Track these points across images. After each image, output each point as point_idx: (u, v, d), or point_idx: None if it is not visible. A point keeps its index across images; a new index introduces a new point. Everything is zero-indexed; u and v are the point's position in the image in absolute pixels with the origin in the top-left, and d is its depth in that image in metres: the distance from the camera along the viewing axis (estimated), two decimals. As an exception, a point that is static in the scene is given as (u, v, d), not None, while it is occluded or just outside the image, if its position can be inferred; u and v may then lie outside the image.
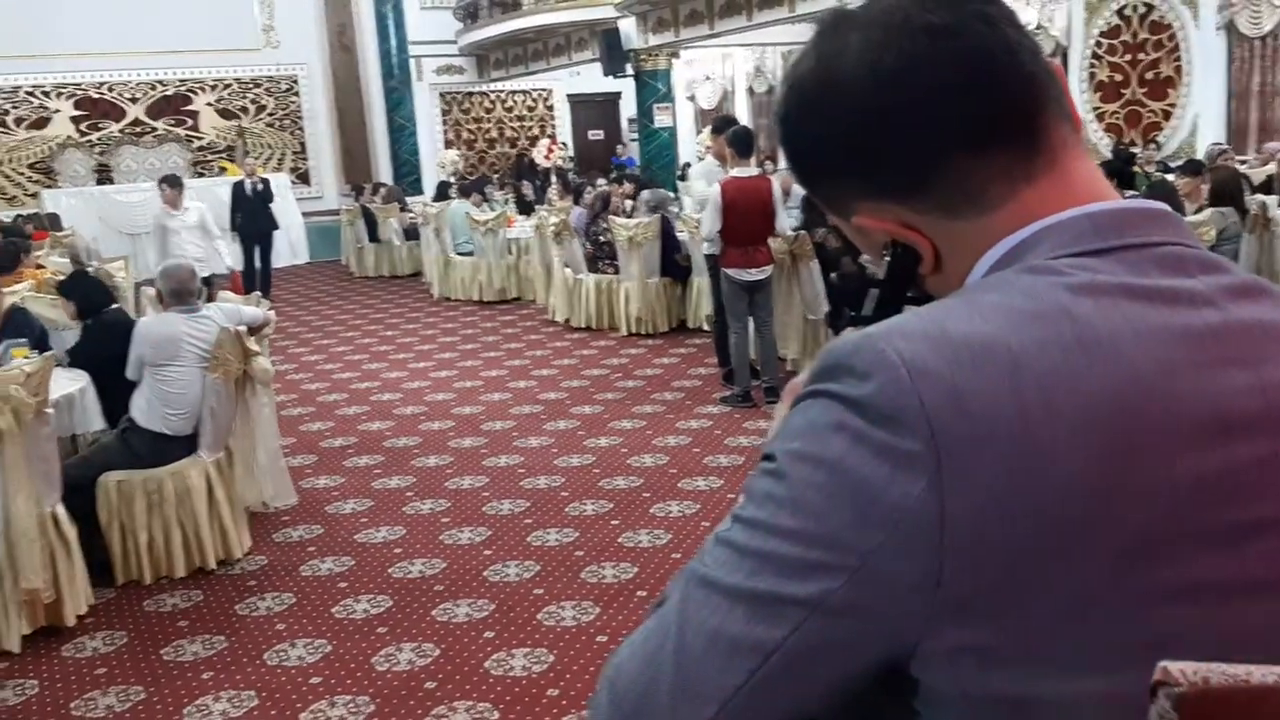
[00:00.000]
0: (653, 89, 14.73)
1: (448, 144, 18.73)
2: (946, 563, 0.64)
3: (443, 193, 14.32)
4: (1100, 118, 12.13)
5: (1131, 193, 7.72)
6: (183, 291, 4.54)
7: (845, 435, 0.66)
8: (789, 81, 0.83)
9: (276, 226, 13.60)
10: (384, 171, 18.11)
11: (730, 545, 0.70)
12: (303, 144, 18.83)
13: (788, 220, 6.81)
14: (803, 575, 0.66)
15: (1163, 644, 0.62)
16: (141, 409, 4.48)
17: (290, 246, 16.56)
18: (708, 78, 18.79)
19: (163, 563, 4.42)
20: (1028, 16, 12.90)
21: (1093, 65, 12.14)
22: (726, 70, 18.38)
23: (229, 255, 9.52)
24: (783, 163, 10.02)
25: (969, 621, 0.65)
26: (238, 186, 13.54)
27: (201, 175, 17.20)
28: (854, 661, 0.68)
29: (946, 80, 0.74)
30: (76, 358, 4.91)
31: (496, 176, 18.27)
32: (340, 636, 3.83)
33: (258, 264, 12.87)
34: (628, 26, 14.34)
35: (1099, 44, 12.03)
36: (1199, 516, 0.65)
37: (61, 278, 7.19)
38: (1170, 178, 8.28)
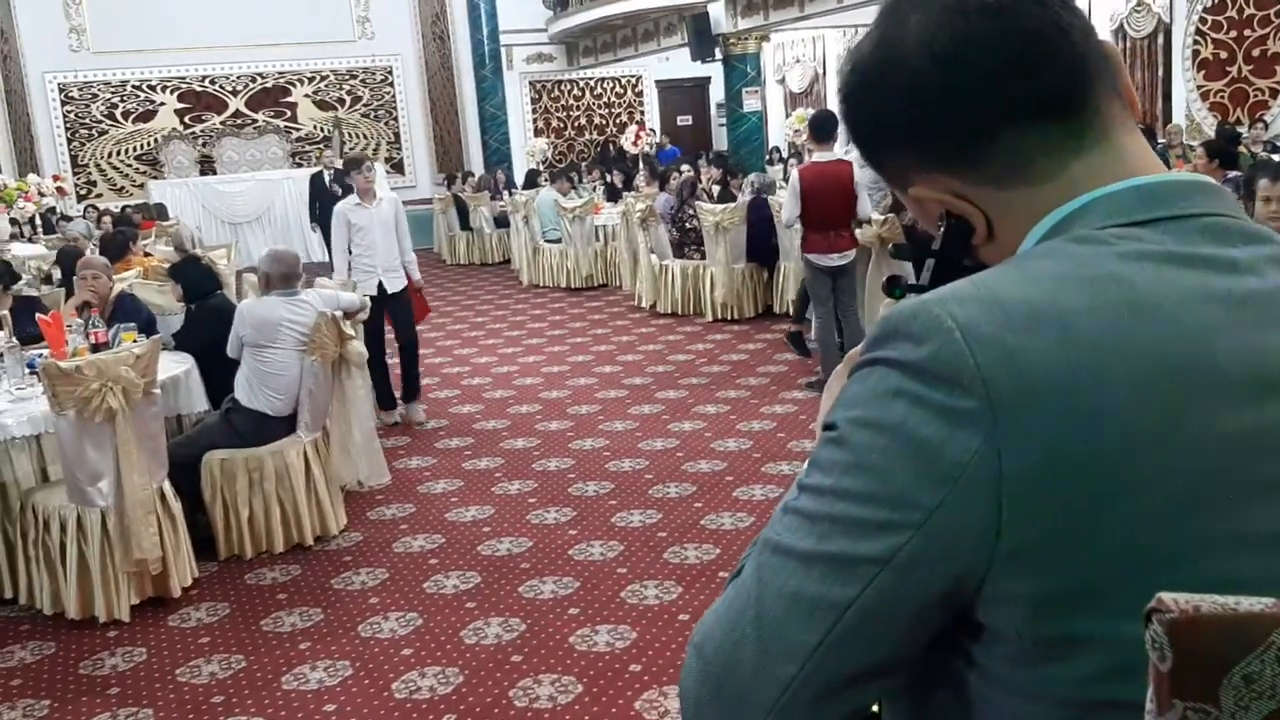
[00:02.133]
0: (741, 73, 14.67)
1: (537, 132, 18.91)
2: (1005, 514, 0.67)
3: (532, 181, 14.49)
4: (1205, 96, 11.71)
5: (1235, 173, 7.47)
6: (290, 275, 4.71)
7: (904, 399, 0.70)
8: (851, 60, 0.87)
9: None
10: (475, 160, 18.36)
11: (799, 513, 0.74)
12: (397, 134, 19.19)
13: (870, 204, 6.75)
14: (872, 534, 0.70)
15: (1219, 591, 0.65)
16: (244, 388, 4.66)
17: (384, 234, 16.91)
18: (798, 60, 18.62)
19: (263, 538, 4.60)
20: (1128, -7, 12.53)
21: (1196, 43, 11.72)
22: (817, 52, 18.19)
23: (414, 267, 6.56)
24: None
25: (1028, 569, 0.68)
26: (316, 178, 13.93)
27: (299, 165, 17.67)
28: (923, 612, 0.71)
29: (999, 58, 0.77)
30: (182, 341, 5.12)
31: (584, 164, 18.43)
32: (431, 610, 3.94)
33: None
34: (717, 10, 14.30)
35: (1203, 20, 11.61)
36: (1244, 469, 0.68)
37: (169, 264, 7.49)
38: (1277, 157, 7.99)
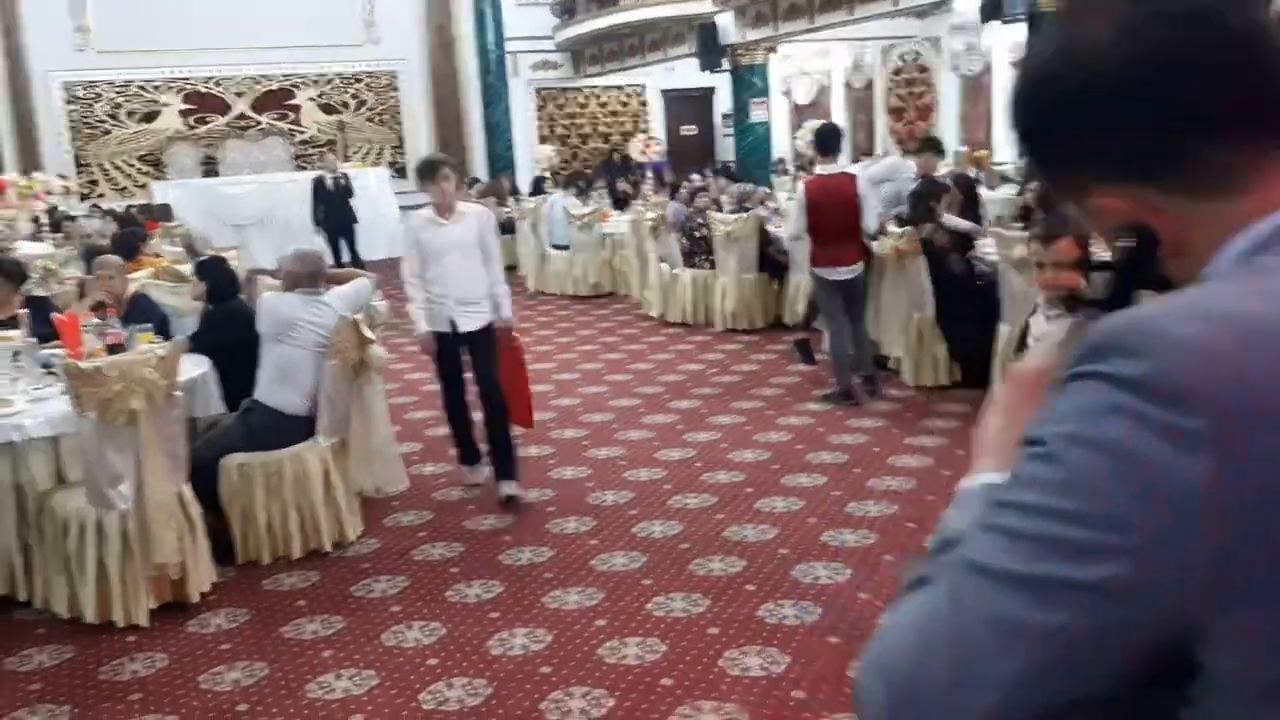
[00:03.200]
0: (749, 84, 14.66)
1: (542, 139, 18.89)
2: (1231, 542, 0.63)
3: (538, 188, 14.46)
4: None
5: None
6: (316, 274, 4.68)
7: (1123, 416, 0.66)
8: (1028, 64, 0.83)
9: (356, 220, 13.97)
10: (479, 166, 18.33)
11: (1002, 531, 0.69)
12: (400, 139, 19.16)
13: (874, 216, 6.74)
14: (1085, 558, 0.65)
15: None
16: (263, 383, 4.63)
17: (387, 239, 16.86)
18: (804, 73, 18.63)
19: (280, 543, 4.54)
20: None
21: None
22: (823, 65, 18.20)
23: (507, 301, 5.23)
24: (883, 156, 9.72)
25: (1257, 603, 0.64)
26: (318, 181, 13.95)
27: (302, 168, 17.63)
28: (1137, 644, 0.67)
29: (1201, 65, 0.74)
30: (198, 343, 5.07)
31: (589, 172, 18.41)
32: (454, 620, 3.89)
33: (345, 256, 13.23)
34: (725, 21, 14.30)
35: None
36: None
37: (179, 264, 7.44)
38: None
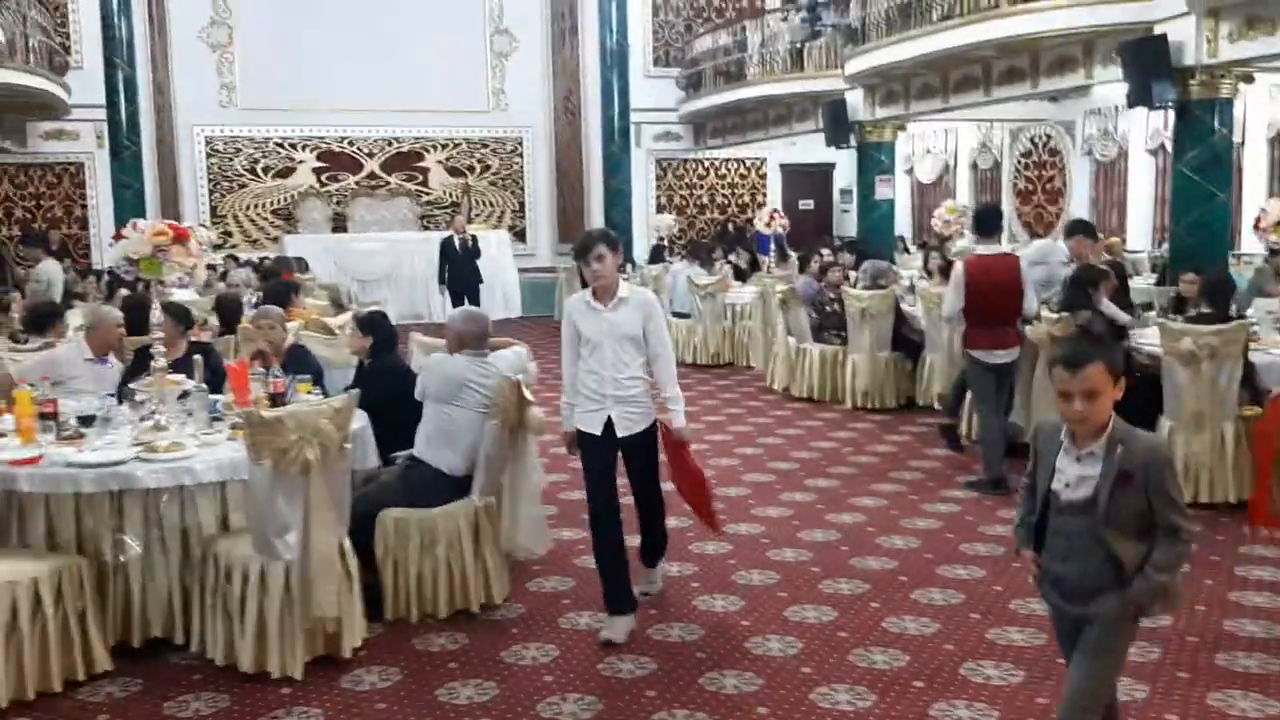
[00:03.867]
0: (875, 161, 14.58)
1: (659, 208, 19.05)
2: None
3: (658, 256, 14.54)
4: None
5: None
6: (483, 336, 4.70)
7: None
8: None
9: (481, 281, 14.21)
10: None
11: None
12: (521, 203, 19.54)
13: (1035, 300, 6.57)
14: None
15: None
16: (424, 443, 4.64)
17: (504, 300, 17.13)
18: (928, 151, 18.50)
19: (429, 601, 4.51)
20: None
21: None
22: (948, 144, 18.05)
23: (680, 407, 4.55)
24: (1031, 241, 9.40)
25: None
26: (447, 242, 14.23)
27: (427, 228, 18.06)
28: None
29: None
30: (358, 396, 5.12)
31: (705, 242, 18.46)
32: (609, 695, 3.79)
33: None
34: (855, 98, 14.28)
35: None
36: None
37: (325, 316, 7.59)
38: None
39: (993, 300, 6.23)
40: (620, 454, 4.43)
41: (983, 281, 6.22)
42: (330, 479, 3.96)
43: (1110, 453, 2.61)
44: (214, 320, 7.99)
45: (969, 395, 7.15)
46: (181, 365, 5.33)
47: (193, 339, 6.45)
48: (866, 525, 5.75)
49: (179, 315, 5.66)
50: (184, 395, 4.76)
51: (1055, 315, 6.50)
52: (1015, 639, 4.21)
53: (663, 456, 4.61)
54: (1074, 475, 2.67)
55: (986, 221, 6.50)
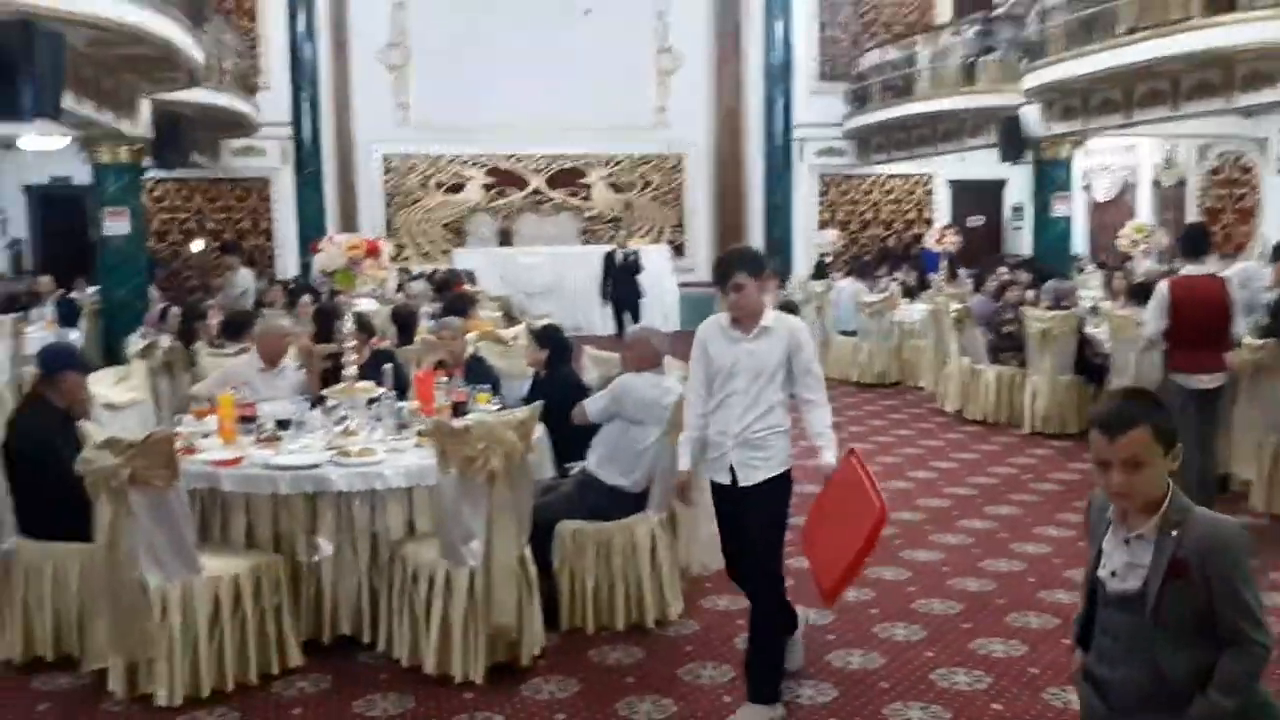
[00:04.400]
0: (1051, 177, 14.04)
1: (822, 224, 18.81)
2: None
3: (820, 272, 14.35)
4: None
5: None
6: (661, 355, 4.70)
7: None
8: None
9: (642, 295, 14.30)
10: (757, 248, 18.42)
11: None
12: (681, 218, 19.60)
13: (1243, 325, 6.17)
14: None
15: None
16: (601, 461, 4.65)
17: (664, 314, 17.20)
18: (1105, 168, 17.73)
19: (604, 613, 4.52)
20: None
21: None
22: (1128, 161, 17.25)
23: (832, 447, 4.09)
24: (1242, 259, 8.79)
25: None
26: (609, 257, 14.40)
27: (588, 243, 18.31)
28: None
29: None
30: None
31: (868, 259, 18.14)
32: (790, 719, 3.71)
33: (630, 327, 13.52)
34: (1030, 113, 13.80)
35: None
36: None
37: (499, 328, 7.75)
38: None
39: (1198, 322, 5.88)
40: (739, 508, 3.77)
41: (1188, 302, 5.88)
42: (514, 488, 4.00)
43: (1164, 537, 2.13)
44: (393, 330, 8.26)
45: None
46: (368, 373, 5.52)
47: (375, 348, 6.71)
48: (1053, 556, 5.50)
49: (364, 325, 5.85)
50: (372, 401, 4.92)
51: (1258, 341, 6.09)
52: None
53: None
54: (1121, 562, 2.20)
55: (1195, 241, 6.14)
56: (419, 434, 4.58)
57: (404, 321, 8.21)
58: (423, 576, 4.07)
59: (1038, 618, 4.65)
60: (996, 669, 4.12)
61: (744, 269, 3.75)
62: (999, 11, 15.13)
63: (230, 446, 4.58)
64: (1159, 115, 11.97)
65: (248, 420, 4.81)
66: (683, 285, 17.93)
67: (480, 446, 3.89)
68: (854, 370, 11.46)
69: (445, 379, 5.16)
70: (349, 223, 17.43)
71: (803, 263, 17.78)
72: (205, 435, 4.76)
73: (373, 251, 4.82)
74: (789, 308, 13.98)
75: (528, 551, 4.16)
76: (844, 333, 11.72)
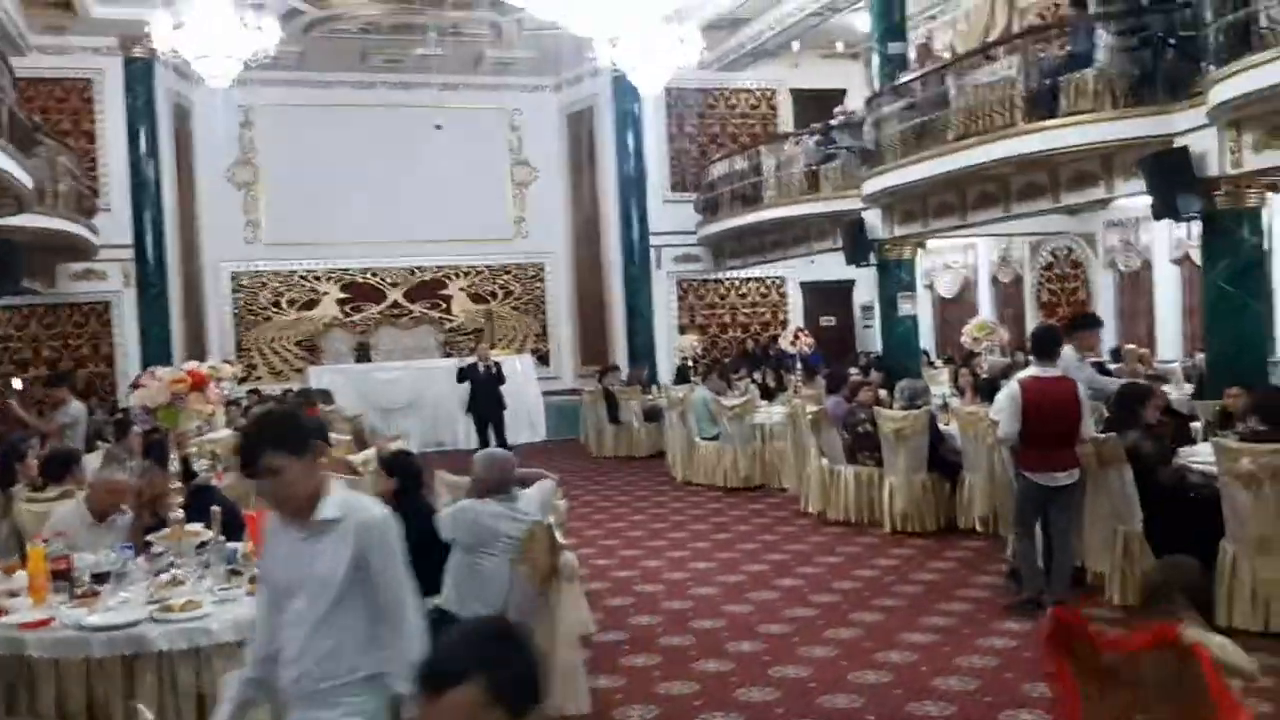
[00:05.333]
0: (896, 278, 14.52)
1: (682, 329, 19.03)
2: None
3: (683, 377, 14.45)
4: None
5: None
6: (505, 482, 4.50)
7: None
8: None
9: (505, 406, 14.16)
10: (620, 354, 18.50)
11: None
12: (544, 327, 19.58)
13: (1091, 424, 6.36)
14: None
15: None
16: (452, 594, 4.42)
17: (529, 424, 17.01)
18: (948, 266, 18.49)
19: (458, 765, 4.22)
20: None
21: None
22: (968, 259, 18.05)
23: None
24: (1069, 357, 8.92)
25: None
26: (471, 368, 14.22)
27: (449, 355, 18.06)
28: None
29: None
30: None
31: (726, 362, 18.38)
32: None
33: (493, 441, 13.32)
34: (873, 217, 14.32)
35: None
36: None
37: (349, 454, 7.44)
38: None
39: (1050, 422, 6.05)
40: None
41: (1040, 403, 6.04)
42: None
43: None
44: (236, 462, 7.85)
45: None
46: (197, 514, 5.17)
47: (204, 483, 6.29)
48: (919, 665, 5.44)
49: (186, 468, 5.50)
50: (201, 546, 4.59)
51: (1100, 435, 6.28)
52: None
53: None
54: None
55: (1045, 343, 6.35)
56: (251, 581, 4.27)
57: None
58: (255, 741, 3.73)
59: (906, 733, 4.56)
60: (867, 794, 3.99)
61: (276, 446, 2.71)
62: (837, 121, 15.77)
63: (40, 606, 4.18)
64: (993, 216, 12.55)
65: (61, 576, 4.41)
66: (547, 394, 17.82)
67: (314, 595, 3.61)
68: (719, 474, 11.45)
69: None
70: (196, 344, 16.79)
71: (666, 368, 17.90)
72: (13, 594, 4.34)
73: (199, 384, 4.55)
74: (653, 414, 14.06)
75: (371, 704, 3.86)
76: (706, 438, 11.73)
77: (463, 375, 14.36)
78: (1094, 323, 7.90)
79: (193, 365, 5.03)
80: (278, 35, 11.33)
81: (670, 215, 18.77)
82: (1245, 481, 5.49)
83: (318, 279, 18.54)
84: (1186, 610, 2.34)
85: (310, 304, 18.50)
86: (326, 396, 12.93)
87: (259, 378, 17.74)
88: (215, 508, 4.79)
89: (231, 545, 4.68)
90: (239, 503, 5.67)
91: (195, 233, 17.68)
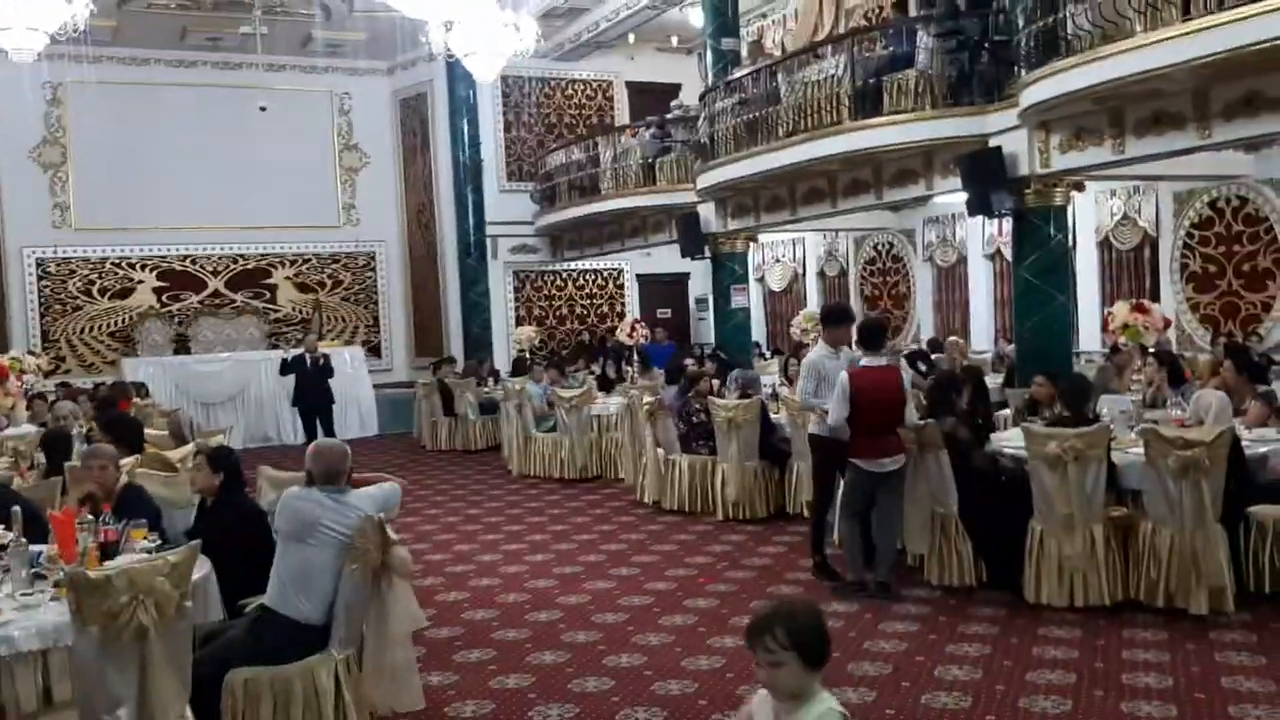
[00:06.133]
0: (729, 270, 14.80)
1: (519, 320, 18.92)
2: None
3: (520, 368, 14.36)
4: (1195, 308, 11.96)
5: (1265, 387, 7.45)
6: (333, 474, 4.34)
7: None
8: None
9: (333, 400, 13.79)
10: (456, 345, 18.25)
11: None
12: (376, 317, 19.12)
13: (914, 411, 6.63)
14: None
15: None
16: (276, 590, 4.23)
17: (360, 418, 16.59)
18: (778, 260, 18.97)
19: (284, 771, 4.07)
20: (1114, 207, 12.95)
21: (1185, 256, 12.06)
22: (796, 253, 18.55)
23: None
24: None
25: None
26: (297, 360, 13.77)
27: (275, 346, 17.42)
28: None
29: None
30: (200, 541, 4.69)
31: (566, 353, 18.39)
32: None
33: (320, 436, 12.92)
34: (707, 211, 14.55)
35: (1190, 235, 11.98)
36: None
37: (165, 449, 7.07)
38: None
39: (879, 411, 6.27)
40: None
41: (868, 391, 6.24)
42: (169, 643, 3.53)
43: None
44: (38, 457, 7.37)
45: (835, 509, 7.03)
46: (-2, 515, 4.82)
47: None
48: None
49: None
50: (0, 549, 4.28)
51: (919, 422, 6.54)
52: (914, 767, 4.04)
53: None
54: None
55: (872, 335, 6.56)
56: (55, 585, 4.00)
57: (54, 446, 7.33)
58: (60, 756, 3.51)
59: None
60: (701, 778, 4.04)
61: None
62: (672, 114, 15.94)
63: None
64: (821, 211, 12.93)
65: None
66: (379, 387, 17.41)
67: (125, 599, 3.41)
68: (555, 466, 11.43)
69: (90, 517, 4.56)
70: (-3, 335, 15.70)
71: (503, 358, 17.76)
72: None
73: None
74: (489, 407, 13.90)
75: (189, 714, 3.68)
76: (546, 431, 11.68)
77: (287, 368, 13.88)
78: (843, 317, 7.06)
79: (-11, 357, 4.70)
80: (88, 8, 10.63)
81: (507, 205, 18.63)
82: (1051, 464, 5.82)
83: (132, 266, 17.59)
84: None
85: (124, 293, 17.54)
86: (142, 389, 12.28)
87: (68, 370, 16.73)
88: (16, 508, 4.47)
89: (35, 548, 4.39)
90: (43, 505, 5.33)
91: (-4, 217, 16.53)
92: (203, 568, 4.43)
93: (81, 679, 3.49)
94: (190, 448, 7.00)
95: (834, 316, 6.98)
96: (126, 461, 6.21)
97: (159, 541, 4.61)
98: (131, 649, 3.45)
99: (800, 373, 7.15)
